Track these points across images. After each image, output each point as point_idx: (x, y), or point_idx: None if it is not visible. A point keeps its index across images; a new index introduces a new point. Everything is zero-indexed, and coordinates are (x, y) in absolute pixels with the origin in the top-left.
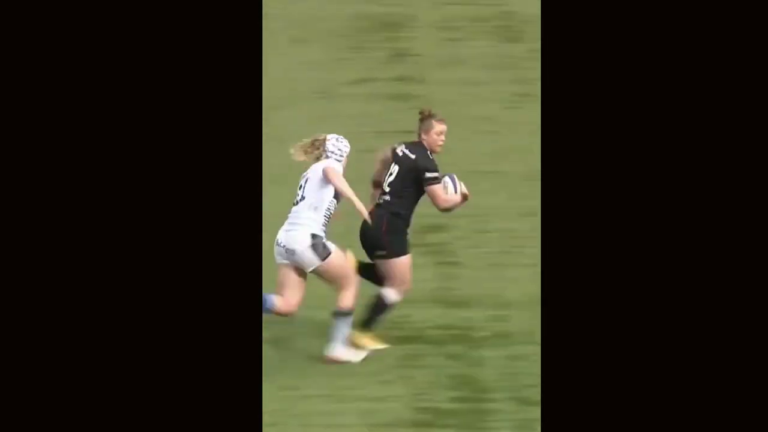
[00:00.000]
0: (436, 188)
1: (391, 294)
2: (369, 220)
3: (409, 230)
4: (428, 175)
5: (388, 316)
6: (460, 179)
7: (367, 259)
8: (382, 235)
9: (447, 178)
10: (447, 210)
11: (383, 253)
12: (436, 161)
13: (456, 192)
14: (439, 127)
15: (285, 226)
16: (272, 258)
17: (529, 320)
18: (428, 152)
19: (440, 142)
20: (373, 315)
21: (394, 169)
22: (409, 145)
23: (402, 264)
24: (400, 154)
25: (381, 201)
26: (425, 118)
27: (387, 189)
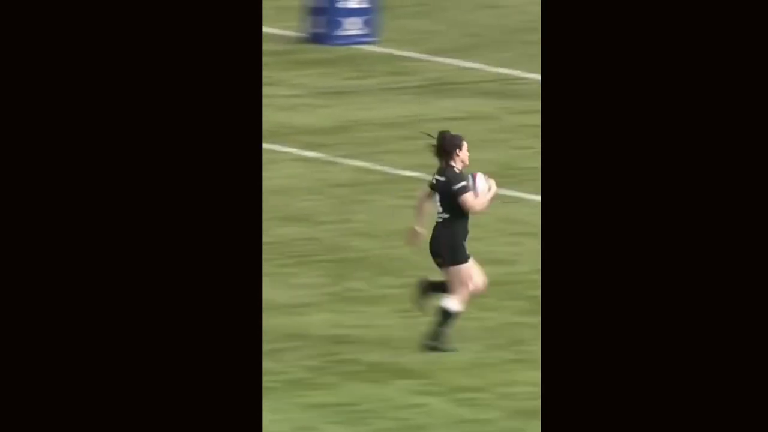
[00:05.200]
0: (466, 196)
1: (450, 302)
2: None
3: (466, 240)
4: (455, 187)
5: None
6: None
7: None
8: (442, 246)
9: (479, 179)
10: (481, 211)
11: (440, 260)
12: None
13: (487, 188)
14: (465, 144)
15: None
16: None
17: None
18: (455, 169)
19: (468, 155)
20: (439, 327)
21: (439, 197)
22: (439, 171)
23: (459, 271)
24: (434, 181)
25: (440, 219)
26: (452, 144)
27: (441, 210)
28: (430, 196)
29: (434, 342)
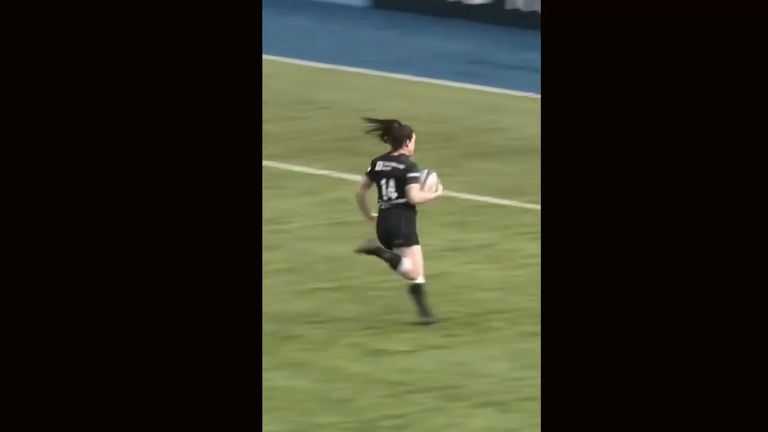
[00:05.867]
0: (412, 186)
1: (407, 264)
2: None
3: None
4: (410, 175)
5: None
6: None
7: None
8: (402, 228)
9: (432, 176)
10: (419, 204)
11: (401, 241)
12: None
13: (434, 188)
14: (414, 135)
15: None
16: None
17: None
18: (410, 157)
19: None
20: (419, 301)
21: (390, 181)
22: (393, 159)
23: (417, 251)
24: (387, 168)
25: (394, 204)
26: (402, 133)
27: (394, 195)
28: (368, 185)
29: (426, 318)
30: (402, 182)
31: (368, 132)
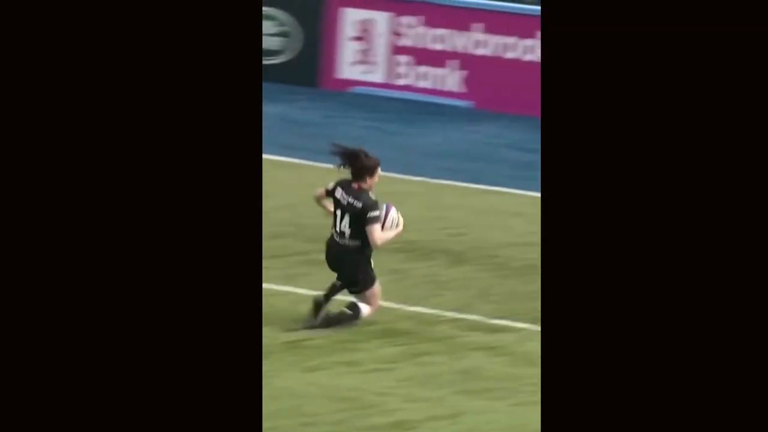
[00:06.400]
0: (374, 228)
1: (365, 309)
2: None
3: (372, 260)
4: (371, 214)
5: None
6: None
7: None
8: (358, 278)
9: (392, 212)
10: (382, 247)
11: (358, 289)
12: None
13: (396, 224)
14: (379, 170)
15: None
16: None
17: None
18: (370, 194)
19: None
20: (341, 320)
21: (345, 215)
22: (351, 192)
23: (374, 293)
24: (344, 202)
25: (351, 245)
26: (369, 166)
27: (349, 233)
28: (324, 197)
29: (324, 324)
30: (359, 222)
31: (333, 155)
